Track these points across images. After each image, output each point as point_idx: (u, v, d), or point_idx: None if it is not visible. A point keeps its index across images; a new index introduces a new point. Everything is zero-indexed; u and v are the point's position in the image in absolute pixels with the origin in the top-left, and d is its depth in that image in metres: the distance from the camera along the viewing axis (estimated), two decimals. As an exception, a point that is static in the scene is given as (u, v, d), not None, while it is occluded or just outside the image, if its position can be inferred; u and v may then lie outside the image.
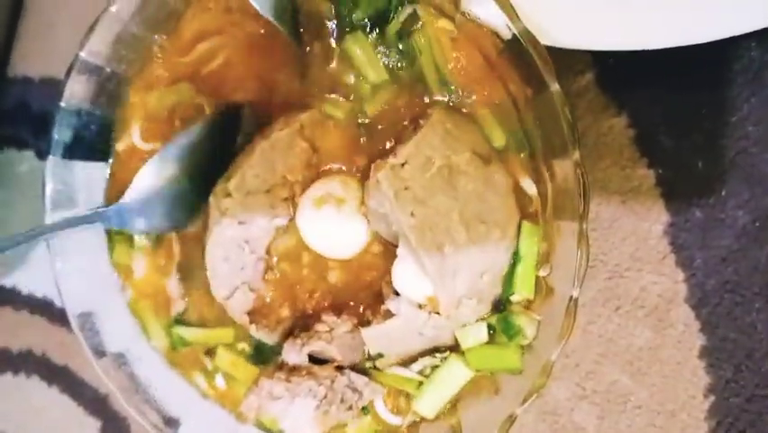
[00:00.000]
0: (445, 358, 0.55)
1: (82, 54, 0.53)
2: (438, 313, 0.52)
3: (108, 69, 0.55)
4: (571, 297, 0.47)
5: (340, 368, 0.56)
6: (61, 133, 0.54)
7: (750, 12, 0.48)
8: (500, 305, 0.54)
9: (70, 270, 0.56)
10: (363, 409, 0.57)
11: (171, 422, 0.57)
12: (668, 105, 0.60)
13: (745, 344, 0.60)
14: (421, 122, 0.53)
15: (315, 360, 0.56)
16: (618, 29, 0.50)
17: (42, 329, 0.74)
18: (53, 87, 0.70)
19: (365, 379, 0.55)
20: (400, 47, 0.54)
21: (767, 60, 0.59)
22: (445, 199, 0.50)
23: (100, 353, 0.56)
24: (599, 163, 0.61)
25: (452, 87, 0.54)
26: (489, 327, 0.54)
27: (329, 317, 0.55)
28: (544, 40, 0.49)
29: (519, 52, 0.49)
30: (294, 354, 0.55)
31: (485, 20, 0.50)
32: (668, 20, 0.50)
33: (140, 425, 0.57)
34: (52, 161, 0.54)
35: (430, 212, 0.50)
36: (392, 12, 0.53)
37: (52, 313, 0.73)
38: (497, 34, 0.50)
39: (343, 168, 0.56)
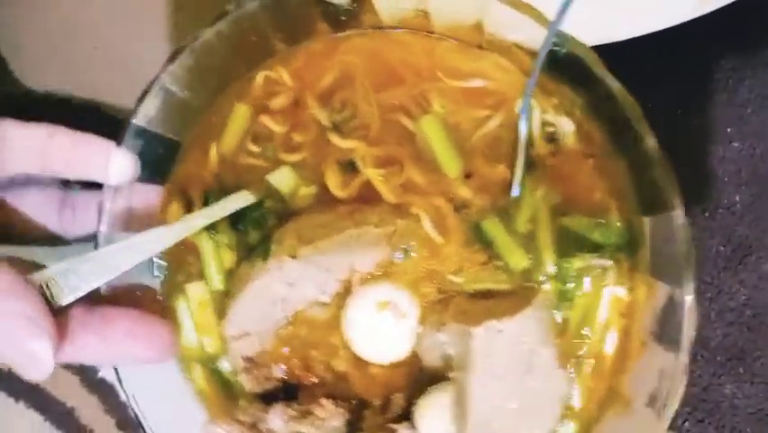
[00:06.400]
0: None
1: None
2: None
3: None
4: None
5: None
6: None
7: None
8: None
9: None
10: None
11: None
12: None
13: (699, 333, 0.67)
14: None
15: None
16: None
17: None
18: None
19: None
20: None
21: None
22: (515, 384, 0.49)
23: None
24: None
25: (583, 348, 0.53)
26: None
27: (329, 405, 0.53)
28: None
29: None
30: (280, 420, 0.52)
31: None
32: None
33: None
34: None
35: (498, 390, 0.49)
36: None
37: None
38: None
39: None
